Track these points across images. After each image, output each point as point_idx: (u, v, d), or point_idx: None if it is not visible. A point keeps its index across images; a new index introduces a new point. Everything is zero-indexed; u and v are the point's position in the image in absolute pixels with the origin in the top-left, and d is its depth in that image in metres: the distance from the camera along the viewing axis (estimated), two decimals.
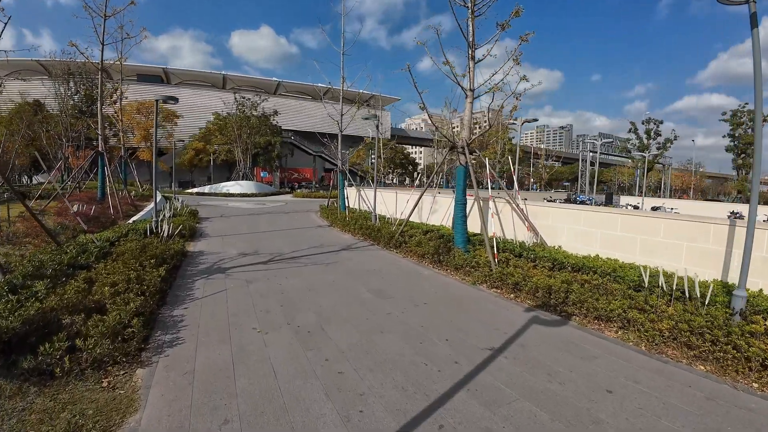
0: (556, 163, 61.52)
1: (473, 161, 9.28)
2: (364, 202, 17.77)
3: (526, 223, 9.07)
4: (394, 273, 8.04)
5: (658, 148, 38.33)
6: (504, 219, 9.85)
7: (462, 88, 9.13)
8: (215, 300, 5.94)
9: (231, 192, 35.33)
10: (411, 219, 12.56)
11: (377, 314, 5.52)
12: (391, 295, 6.43)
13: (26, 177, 37.71)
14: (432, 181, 11.41)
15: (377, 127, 14.11)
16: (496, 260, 7.71)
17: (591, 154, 33.35)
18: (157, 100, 10.60)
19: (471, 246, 9.15)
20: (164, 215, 11.68)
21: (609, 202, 34.41)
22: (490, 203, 9.76)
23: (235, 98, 43.77)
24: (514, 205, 9.17)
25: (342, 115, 17.59)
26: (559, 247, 8.72)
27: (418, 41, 9.44)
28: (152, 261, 6.44)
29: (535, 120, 17.29)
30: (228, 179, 42.92)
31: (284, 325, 5.00)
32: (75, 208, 11.74)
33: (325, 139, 21.13)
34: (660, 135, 38.81)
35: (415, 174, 77.66)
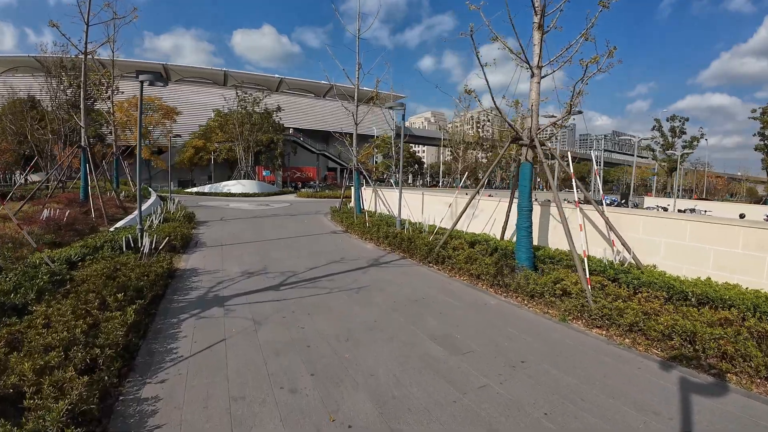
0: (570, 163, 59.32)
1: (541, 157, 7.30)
2: (383, 204, 15.77)
3: (612, 235, 7.08)
4: (452, 304, 6.01)
5: (683, 147, 36.20)
6: (573, 228, 7.83)
7: (529, 65, 7.31)
8: (209, 361, 3.93)
9: (232, 192, 33.50)
10: (443, 225, 10.60)
11: (467, 390, 3.50)
12: (469, 347, 4.41)
13: (21, 176, 35.65)
14: (485, 181, 9.41)
15: (403, 116, 12.13)
16: (590, 287, 5.74)
17: (604, 153, 31.42)
18: (142, 82, 8.59)
19: (540, 263, 7.20)
20: (151, 222, 9.72)
21: (626, 202, 32.30)
22: (572, 210, 7.69)
23: (237, 94, 41.78)
24: (599, 212, 7.16)
25: (357, 106, 15.66)
26: (654, 266, 6.76)
27: (471, 5, 7.51)
28: (120, 296, 4.45)
29: (580, 112, 15.22)
30: (229, 178, 41.01)
31: (325, 426, 2.98)
32: (45, 212, 9.76)
33: (337, 135, 19.28)
34: (685, 133, 36.73)
35: (421, 173, 75.84)
